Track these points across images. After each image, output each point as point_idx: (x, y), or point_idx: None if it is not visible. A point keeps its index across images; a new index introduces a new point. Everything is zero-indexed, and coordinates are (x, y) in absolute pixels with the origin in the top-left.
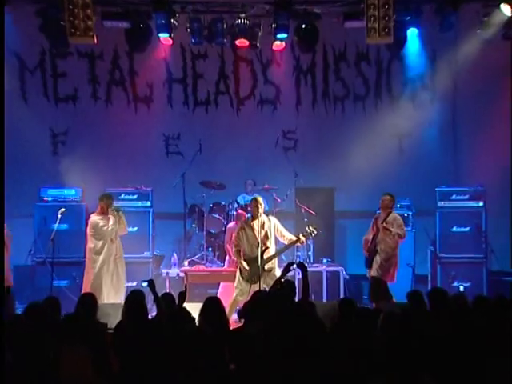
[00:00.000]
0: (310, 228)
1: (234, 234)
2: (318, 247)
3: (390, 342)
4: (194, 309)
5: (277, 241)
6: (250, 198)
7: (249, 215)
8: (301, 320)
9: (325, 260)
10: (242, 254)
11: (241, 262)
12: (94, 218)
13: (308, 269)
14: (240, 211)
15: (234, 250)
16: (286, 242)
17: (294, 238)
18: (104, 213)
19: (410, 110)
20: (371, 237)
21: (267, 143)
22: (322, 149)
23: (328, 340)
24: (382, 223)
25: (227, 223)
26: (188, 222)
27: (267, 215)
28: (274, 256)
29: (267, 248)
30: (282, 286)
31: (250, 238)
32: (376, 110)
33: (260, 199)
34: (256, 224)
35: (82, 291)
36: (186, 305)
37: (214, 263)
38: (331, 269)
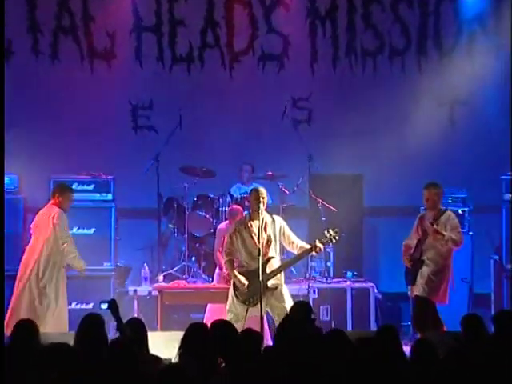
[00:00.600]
0: (330, 232)
1: (225, 238)
2: (340, 256)
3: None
4: (172, 339)
5: (283, 249)
6: (247, 188)
7: (246, 212)
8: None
9: (349, 273)
10: (235, 265)
11: (235, 276)
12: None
13: (327, 285)
14: (235, 207)
15: (225, 259)
16: (296, 252)
17: (307, 246)
18: (63, 209)
19: (466, 68)
20: (415, 242)
21: (271, 114)
22: (345, 122)
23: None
24: (433, 224)
25: (217, 223)
26: (163, 222)
27: (271, 214)
28: (279, 269)
29: (271, 258)
30: (294, 312)
31: (248, 243)
32: (419, 68)
33: (262, 190)
34: (256, 225)
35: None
36: (160, 334)
37: (198, 278)
38: (358, 285)
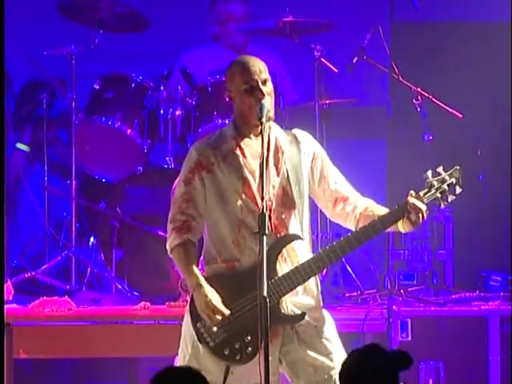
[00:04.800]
0: (443, 174)
1: (177, 183)
2: (471, 235)
3: None
4: None
5: (318, 215)
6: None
7: (227, 123)
8: None
9: (496, 278)
10: (199, 256)
11: (198, 287)
12: None
13: (438, 309)
14: None
15: (172, 239)
16: (354, 223)
17: (384, 209)
18: None
19: None
20: None
21: None
22: None
23: None
24: None
25: (154, 147)
26: (14, 142)
27: (289, 128)
28: (313, 269)
29: (292, 238)
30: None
31: (231, 196)
32: None
33: (261, 63)
34: (252, 150)
35: None
36: None
37: (106, 289)
38: None
